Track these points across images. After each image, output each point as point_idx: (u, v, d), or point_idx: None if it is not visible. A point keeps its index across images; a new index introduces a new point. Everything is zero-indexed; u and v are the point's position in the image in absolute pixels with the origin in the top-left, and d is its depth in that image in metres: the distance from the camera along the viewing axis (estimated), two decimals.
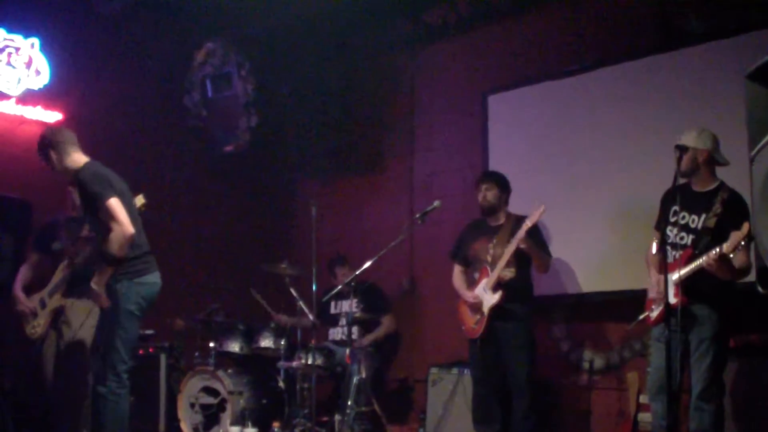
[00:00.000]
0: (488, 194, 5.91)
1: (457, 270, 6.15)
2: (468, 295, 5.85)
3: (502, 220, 5.92)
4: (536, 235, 5.72)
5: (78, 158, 4.86)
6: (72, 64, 7.27)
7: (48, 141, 4.85)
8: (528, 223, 5.51)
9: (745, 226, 4.22)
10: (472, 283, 5.97)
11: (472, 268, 6.02)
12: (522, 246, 5.56)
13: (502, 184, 5.96)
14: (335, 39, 7.75)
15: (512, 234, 5.71)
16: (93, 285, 4.62)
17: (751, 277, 4.50)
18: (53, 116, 7.17)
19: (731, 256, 4.36)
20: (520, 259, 5.68)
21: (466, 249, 6.05)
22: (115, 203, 4.55)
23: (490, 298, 5.66)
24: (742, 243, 4.25)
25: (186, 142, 7.88)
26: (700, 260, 4.46)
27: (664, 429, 4.60)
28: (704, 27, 5.98)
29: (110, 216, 4.52)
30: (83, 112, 7.33)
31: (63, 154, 4.82)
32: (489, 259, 5.80)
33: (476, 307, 5.76)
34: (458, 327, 6.04)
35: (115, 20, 7.52)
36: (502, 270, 5.65)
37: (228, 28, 7.59)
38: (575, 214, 6.32)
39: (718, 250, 4.35)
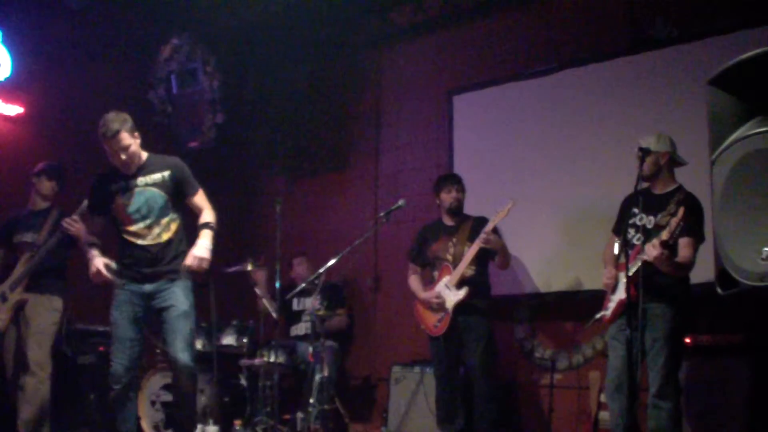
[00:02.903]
0: (460, 195, 5.99)
1: (414, 271, 6.20)
2: (429, 295, 5.87)
3: (459, 220, 5.98)
4: (497, 234, 5.78)
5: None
6: (35, 57, 7.18)
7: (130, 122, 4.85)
8: (496, 219, 5.61)
9: (681, 210, 4.30)
10: (430, 282, 6.01)
11: (431, 267, 6.06)
12: (486, 244, 5.62)
13: (464, 185, 6.05)
14: (302, 36, 7.74)
15: (472, 233, 5.79)
16: (204, 243, 4.77)
17: (703, 277, 4.61)
18: (14, 109, 7.09)
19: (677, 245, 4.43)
20: (480, 256, 5.75)
21: (425, 249, 6.08)
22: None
23: (454, 295, 5.70)
24: (679, 228, 4.31)
25: (150, 139, 7.77)
26: (644, 253, 4.53)
27: (622, 427, 4.65)
28: (671, 31, 6.06)
29: (205, 199, 4.96)
30: (45, 106, 7.26)
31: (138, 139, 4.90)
32: (450, 257, 5.84)
33: (438, 305, 5.79)
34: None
35: (80, 14, 7.43)
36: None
37: (194, 24, 7.55)
38: (538, 214, 6.37)
39: (658, 238, 4.42)
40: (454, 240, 5.89)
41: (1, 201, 6.45)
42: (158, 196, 4.81)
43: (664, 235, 4.37)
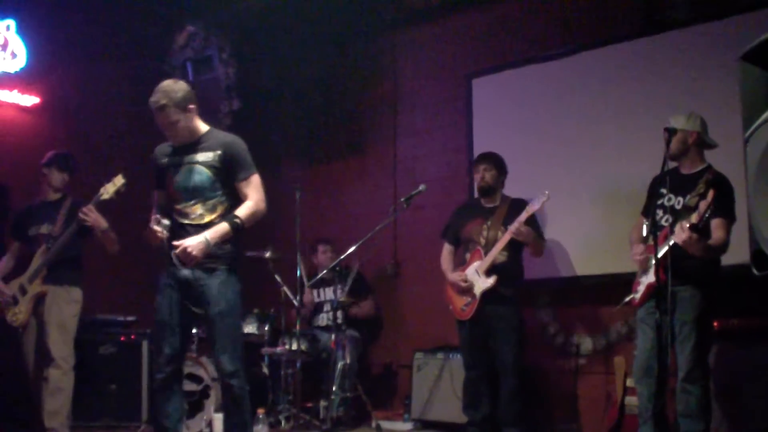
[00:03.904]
0: (487, 175, 5.84)
1: (447, 249, 6.07)
2: (456, 278, 5.77)
3: (497, 201, 5.86)
4: (533, 222, 5.65)
5: (200, 120, 4.59)
6: (49, 47, 7.16)
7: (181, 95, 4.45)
8: (529, 211, 5.49)
9: (711, 193, 4.22)
10: (461, 263, 5.91)
11: (464, 248, 5.94)
12: (518, 237, 5.52)
13: (500, 165, 5.89)
14: (318, 22, 7.66)
15: (507, 217, 5.68)
16: (206, 235, 4.25)
17: (734, 259, 4.54)
18: (30, 100, 7.08)
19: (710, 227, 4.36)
20: (513, 242, 5.62)
21: (459, 229, 5.95)
22: (259, 179, 4.54)
23: (483, 282, 5.61)
24: (709, 210, 4.24)
25: None
26: (673, 236, 4.46)
27: (650, 412, 4.60)
28: (688, 12, 5.96)
29: (256, 188, 4.50)
30: (61, 96, 7.24)
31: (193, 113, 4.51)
32: (483, 241, 5.73)
33: (467, 289, 5.71)
34: (443, 311, 6.03)
35: (94, 3, 7.40)
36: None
37: (209, 11, 7.49)
38: (560, 197, 6.25)
39: (687, 221, 4.34)
40: (489, 223, 5.77)
41: (19, 191, 6.43)
42: (206, 175, 4.42)
43: (694, 218, 4.31)
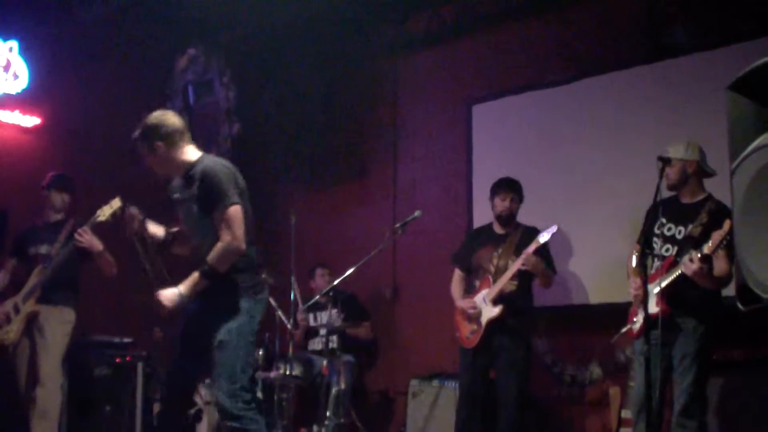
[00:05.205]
0: (513, 204, 5.74)
1: (457, 275, 5.98)
2: (466, 304, 5.68)
3: (510, 228, 5.77)
4: (544, 251, 5.55)
5: (192, 151, 4.24)
6: (51, 68, 7.19)
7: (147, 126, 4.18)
8: (537, 243, 5.41)
9: (727, 224, 4.16)
10: (471, 290, 5.84)
11: (474, 275, 5.86)
12: (525, 267, 5.45)
13: (522, 193, 5.81)
14: (318, 46, 7.69)
15: (519, 245, 5.60)
16: (180, 288, 4.01)
17: (732, 291, 4.49)
18: (31, 121, 7.11)
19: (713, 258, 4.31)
20: (522, 272, 5.52)
21: (470, 255, 5.87)
22: (235, 211, 4.04)
23: (489, 311, 5.51)
24: (725, 242, 4.19)
25: None
26: (681, 266, 4.40)
27: None
28: (689, 39, 5.95)
29: (228, 225, 4.01)
30: (62, 118, 7.26)
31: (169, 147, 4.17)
32: (492, 269, 5.64)
33: (473, 317, 5.63)
34: (440, 337, 5.98)
35: (96, 26, 7.44)
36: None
37: (210, 35, 7.53)
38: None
39: (699, 251, 4.29)
40: (500, 251, 5.68)
41: (19, 211, 6.44)
42: (196, 210, 4.10)
43: (707, 249, 4.25)
